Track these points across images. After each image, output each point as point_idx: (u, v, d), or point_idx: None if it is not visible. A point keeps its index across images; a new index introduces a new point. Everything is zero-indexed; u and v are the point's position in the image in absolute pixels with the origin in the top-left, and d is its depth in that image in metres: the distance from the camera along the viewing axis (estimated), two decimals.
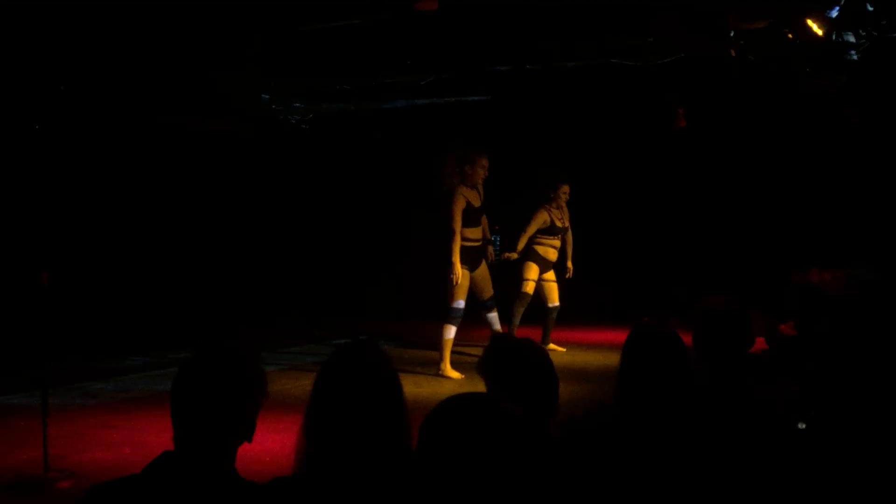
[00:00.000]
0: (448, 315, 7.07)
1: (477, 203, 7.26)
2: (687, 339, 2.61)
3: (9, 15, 5.91)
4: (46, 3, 5.78)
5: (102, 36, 6.78)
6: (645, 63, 7.56)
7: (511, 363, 2.39)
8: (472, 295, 7.29)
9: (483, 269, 7.35)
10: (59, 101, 6.83)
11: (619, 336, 2.63)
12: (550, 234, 8.26)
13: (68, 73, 6.80)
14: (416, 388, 6.36)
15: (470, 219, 7.16)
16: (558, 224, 8.26)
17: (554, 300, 8.33)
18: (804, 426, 2.98)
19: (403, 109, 9.86)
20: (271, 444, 4.39)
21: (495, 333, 6.58)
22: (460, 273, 7.00)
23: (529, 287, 8.19)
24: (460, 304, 7.08)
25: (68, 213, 7.56)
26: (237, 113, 8.94)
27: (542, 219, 8.17)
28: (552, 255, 8.32)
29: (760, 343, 6.13)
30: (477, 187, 7.25)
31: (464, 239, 7.11)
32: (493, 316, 7.42)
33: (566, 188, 8.27)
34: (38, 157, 5.84)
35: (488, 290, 7.38)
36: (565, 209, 8.39)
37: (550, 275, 8.36)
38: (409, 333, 9.60)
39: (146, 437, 4.92)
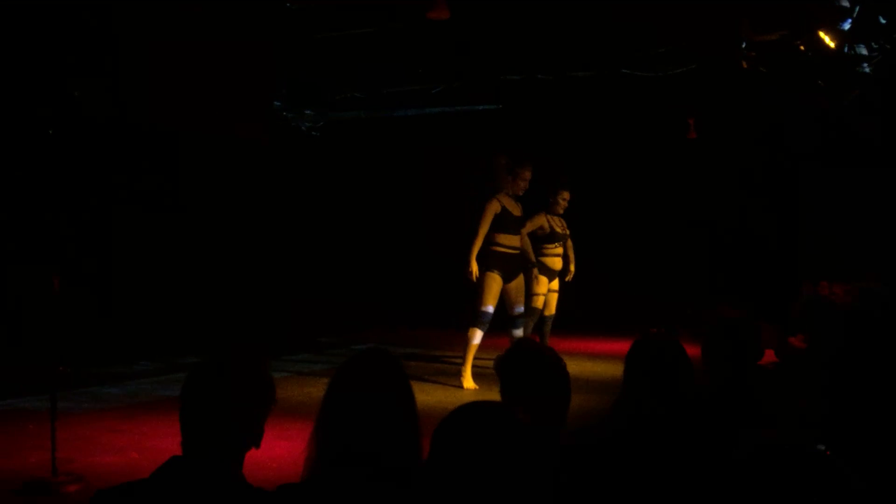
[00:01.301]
0: (476, 318, 7.03)
1: (516, 212, 7.22)
2: (694, 350, 2.60)
3: (29, 21, 5.96)
4: (66, 2, 5.83)
5: (114, 40, 6.82)
6: (656, 74, 7.57)
7: (528, 367, 2.39)
8: (502, 306, 7.20)
9: (519, 282, 7.26)
10: (72, 106, 6.87)
11: (627, 346, 2.62)
12: (551, 242, 8.22)
13: (82, 79, 6.84)
14: (423, 395, 6.30)
15: (506, 226, 7.10)
16: (558, 230, 8.22)
17: (551, 310, 8.30)
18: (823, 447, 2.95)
19: (414, 117, 9.90)
20: (278, 451, 4.39)
21: (521, 338, 6.52)
22: (476, 272, 6.95)
23: (539, 301, 8.13)
24: (489, 308, 7.02)
25: (79, 218, 7.59)
26: (249, 120, 8.98)
27: (538, 222, 8.10)
28: (557, 263, 8.29)
29: (770, 356, 6.11)
30: (516, 197, 7.22)
31: (497, 244, 7.07)
32: (519, 333, 7.30)
33: (566, 195, 8.22)
34: (51, 162, 5.87)
35: (519, 304, 7.28)
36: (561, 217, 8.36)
37: (554, 284, 8.34)
38: (417, 341, 9.59)
39: (154, 442, 4.93)
